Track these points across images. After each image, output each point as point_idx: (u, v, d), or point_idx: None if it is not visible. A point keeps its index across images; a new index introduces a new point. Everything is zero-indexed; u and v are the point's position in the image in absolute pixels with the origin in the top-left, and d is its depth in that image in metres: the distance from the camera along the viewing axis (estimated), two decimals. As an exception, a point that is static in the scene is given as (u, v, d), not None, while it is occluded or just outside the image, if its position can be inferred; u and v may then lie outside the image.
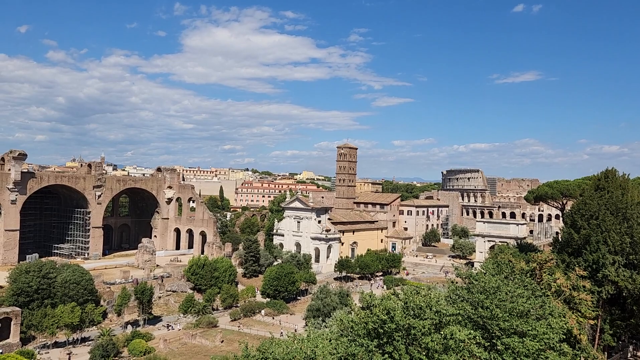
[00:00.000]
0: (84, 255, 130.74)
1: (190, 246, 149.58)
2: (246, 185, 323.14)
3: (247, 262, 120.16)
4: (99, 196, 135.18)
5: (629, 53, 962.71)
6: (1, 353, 68.06)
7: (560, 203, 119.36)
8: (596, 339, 51.48)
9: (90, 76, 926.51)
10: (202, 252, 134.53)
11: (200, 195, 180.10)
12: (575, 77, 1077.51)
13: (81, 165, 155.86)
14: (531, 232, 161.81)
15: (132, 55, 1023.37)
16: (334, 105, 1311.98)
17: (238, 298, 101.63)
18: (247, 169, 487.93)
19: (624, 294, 51.88)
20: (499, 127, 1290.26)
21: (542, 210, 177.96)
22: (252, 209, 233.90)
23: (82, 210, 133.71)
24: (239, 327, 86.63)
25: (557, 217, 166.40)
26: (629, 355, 56.49)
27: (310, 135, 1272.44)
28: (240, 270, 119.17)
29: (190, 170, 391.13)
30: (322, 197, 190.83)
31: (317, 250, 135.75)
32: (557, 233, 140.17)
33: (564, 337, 36.31)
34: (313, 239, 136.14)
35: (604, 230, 53.26)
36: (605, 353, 52.69)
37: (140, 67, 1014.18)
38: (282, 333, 75.86)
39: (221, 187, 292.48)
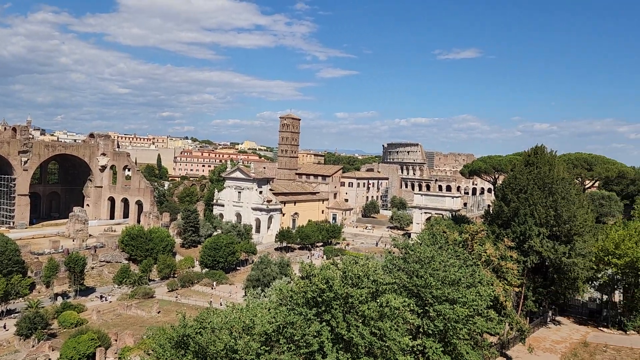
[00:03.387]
0: (9, 224, 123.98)
1: (126, 216, 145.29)
2: (185, 154, 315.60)
3: (186, 232, 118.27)
4: (25, 162, 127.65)
5: (561, 38, 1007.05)
6: None
7: (493, 177, 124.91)
8: (520, 305, 54.80)
9: (14, 33, 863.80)
10: (138, 222, 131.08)
11: (136, 163, 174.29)
12: (512, 57, 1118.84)
13: (5, 128, 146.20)
14: (465, 204, 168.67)
15: (61, 12, 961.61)
16: (277, 75, 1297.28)
17: (176, 268, 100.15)
18: (187, 138, 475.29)
19: (546, 264, 55.33)
20: (439, 102, 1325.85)
21: (476, 184, 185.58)
22: (191, 179, 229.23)
23: (7, 176, 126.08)
24: (176, 297, 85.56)
25: (489, 190, 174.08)
26: (548, 319, 60.63)
27: (252, 105, 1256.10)
28: (178, 241, 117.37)
29: (125, 137, 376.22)
30: (264, 168, 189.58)
31: (258, 221, 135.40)
32: (488, 206, 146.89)
33: (491, 303, 38.36)
34: (254, 209, 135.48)
35: (531, 203, 56.13)
36: (528, 318, 56.23)
37: (71, 25, 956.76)
38: (221, 303, 76.16)
39: (159, 155, 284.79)
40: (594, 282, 61.85)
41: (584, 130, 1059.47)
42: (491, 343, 45.15)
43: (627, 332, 56.20)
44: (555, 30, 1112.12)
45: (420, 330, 33.08)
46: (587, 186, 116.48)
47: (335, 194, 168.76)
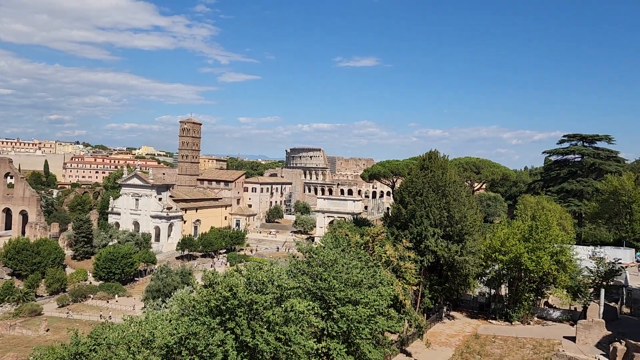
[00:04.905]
0: None
1: (8, 227, 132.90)
2: (76, 159, 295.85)
3: (78, 244, 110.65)
4: None
5: (451, 51, 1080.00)
6: None
7: (391, 181, 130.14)
8: (418, 303, 57.56)
9: None
10: (23, 234, 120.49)
11: (20, 170, 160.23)
12: (408, 66, 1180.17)
13: None
14: (366, 207, 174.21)
15: None
16: (178, 78, 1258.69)
17: (67, 282, 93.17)
18: (78, 142, 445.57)
19: (441, 262, 58.62)
20: (340, 108, 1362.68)
21: (376, 188, 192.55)
22: (83, 186, 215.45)
23: None
24: (67, 313, 79.72)
25: (388, 194, 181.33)
26: (444, 315, 64.26)
27: (151, 108, 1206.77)
28: (69, 253, 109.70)
29: (7, 142, 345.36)
30: (164, 174, 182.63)
31: (158, 229, 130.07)
32: (388, 208, 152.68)
33: (391, 302, 39.92)
34: (153, 217, 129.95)
35: (426, 205, 59.22)
36: (425, 314, 59.22)
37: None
38: (110, 316, 72.80)
39: (46, 161, 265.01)
40: (483, 277, 66.53)
41: (472, 136, 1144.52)
42: (392, 341, 46.93)
43: (513, 323, 61.09)
44: (445, 44, 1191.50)
45: (325, 332, 33.57)
46: (475, 188, 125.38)
47: (238, 200, 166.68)
